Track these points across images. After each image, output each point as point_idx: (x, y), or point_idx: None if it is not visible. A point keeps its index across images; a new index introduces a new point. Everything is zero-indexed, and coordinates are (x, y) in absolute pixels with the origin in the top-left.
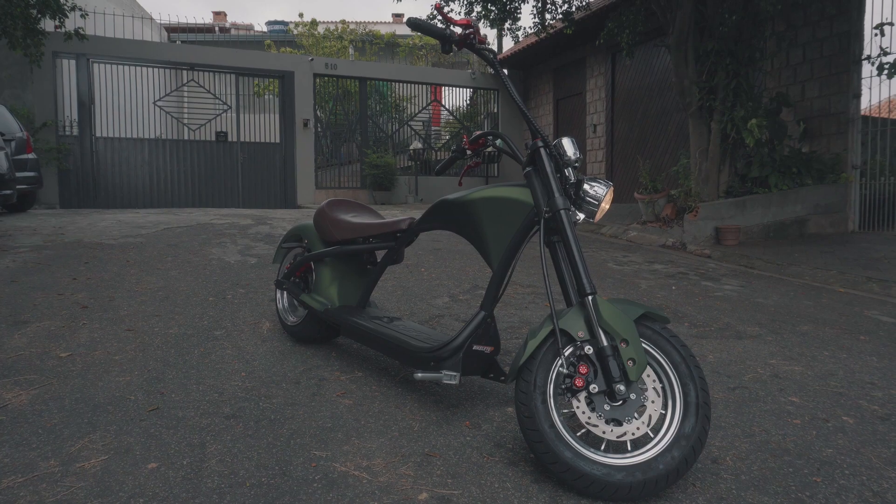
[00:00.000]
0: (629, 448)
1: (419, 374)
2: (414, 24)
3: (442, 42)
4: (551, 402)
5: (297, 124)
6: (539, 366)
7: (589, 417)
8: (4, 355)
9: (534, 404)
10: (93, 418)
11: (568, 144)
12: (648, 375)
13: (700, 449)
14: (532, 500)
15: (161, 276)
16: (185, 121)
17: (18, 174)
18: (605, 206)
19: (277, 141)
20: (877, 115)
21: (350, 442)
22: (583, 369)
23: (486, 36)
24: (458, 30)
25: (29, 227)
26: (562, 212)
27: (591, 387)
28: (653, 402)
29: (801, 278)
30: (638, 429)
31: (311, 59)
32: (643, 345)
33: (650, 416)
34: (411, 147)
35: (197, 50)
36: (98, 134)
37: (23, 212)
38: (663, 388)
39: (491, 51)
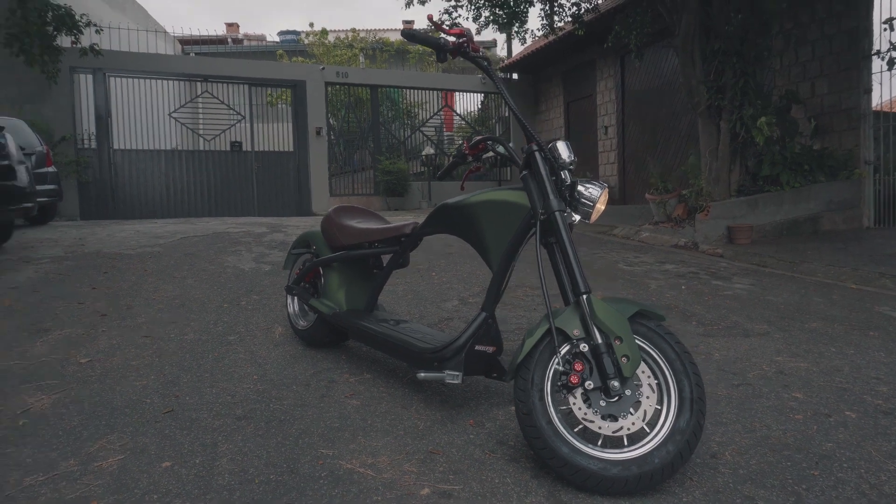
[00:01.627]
0: (625, 443)
1: (422, 374)
2: (409, 35)
3: (436, 51)
4: (548, 398)
5: (310, 132)
6: (536, 364)
7: (585, 413)
8: (27, 362)
9: (531, 401)
10: (110, 420)
11: (562, 147)
12: (643, 371)
13: (695, 443)
14: (531, 495)
15: (178, 285)
16: (201, 131)
17: (39, 187)
18: (601, 206)
19: (291, 149)
20: (888, 111)
21: (356, 441)
22: (578, 366)
23: (479, 45)
24: (451, 39)
25: (50, 238)
26: (557, 213)
27: (587, 383)
28: (648, 397)
29: (814, 276)
30: (633, 424)
31: (323, 68)
32: (637, 342)
33: (645, 412)
34: (424, 153)
35: (210, 62)
36: (116, 146)
37: (44, 224)
38: (658, 384)
39: (484, 58)
